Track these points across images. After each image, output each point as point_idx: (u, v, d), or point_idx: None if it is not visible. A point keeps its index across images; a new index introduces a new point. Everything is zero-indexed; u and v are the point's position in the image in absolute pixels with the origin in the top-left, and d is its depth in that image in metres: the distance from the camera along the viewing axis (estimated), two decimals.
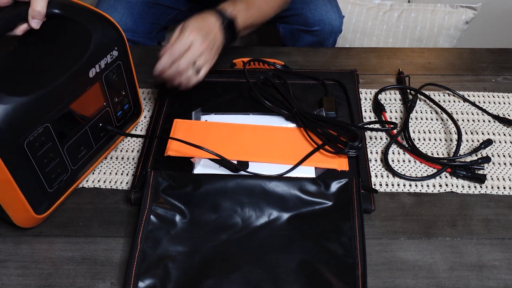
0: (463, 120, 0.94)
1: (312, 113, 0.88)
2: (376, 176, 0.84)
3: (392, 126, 0.87)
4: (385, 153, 0.87)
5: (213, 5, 1.25)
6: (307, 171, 0.82)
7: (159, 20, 1.34)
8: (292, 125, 0.90)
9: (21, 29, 0.72)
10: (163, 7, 1.33)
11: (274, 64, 1.02)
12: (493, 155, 0.87)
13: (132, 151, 0.88)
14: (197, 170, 0.82)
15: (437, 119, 0.94)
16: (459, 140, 0.87)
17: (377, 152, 0.88)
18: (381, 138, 0.91)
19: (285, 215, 0.76)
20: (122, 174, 0.85)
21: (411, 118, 0.94)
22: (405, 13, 1.45)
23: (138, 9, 1.27)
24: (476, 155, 0.87)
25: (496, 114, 0.95)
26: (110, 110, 0.82)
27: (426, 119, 0.94)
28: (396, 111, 0.96)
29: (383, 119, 0.93)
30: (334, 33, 1.27)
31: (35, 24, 0.72)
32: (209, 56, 0.89)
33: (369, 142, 0.90)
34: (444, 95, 0.99)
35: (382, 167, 0.86)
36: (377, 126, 0.92)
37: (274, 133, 0.88)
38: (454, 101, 0.98)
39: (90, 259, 0.73)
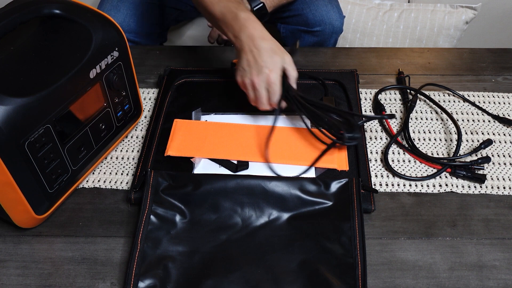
0: (463, 120, 0.94)
1: (307, 98, 0.84)
2: (376, 176, 0.84)
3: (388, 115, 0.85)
4: (385, 153, 0.87)
5: None
6: (307, 171, 0.82)
7: (161, 20, 1.35)
8: (292, 126, 0.90)
9: None
10: (165, 7, 1.33)
11: None
12: (493, 155, 0.87)
13: (132, 151, 0.88)
14: (197, 170, 0.82)
15: (437, 119, 0.94)
16: (459, 140, 0.87)
17: (377, 152, 0.88)
18: (381, 138, 0.91)
19: (285, 215, 0.76)
20: (122, 174, 0.85)
21: (411, 118, 0.94)
22: (405, 13, 1.45)
23: (141, 10, 1.27)
24: (476, 155, 0.87)
25: (496, 114, 0.95)
26: (110, 111, 0.82)
27: (426, 119, 0.94)
28: (396, 111, 0.96)
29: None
30: (335, 33, 1.27)
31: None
32: None
33: (369, 142, 0.90)
34: (444, 95, 0.99)
35: (382, 167, 0.86)
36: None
37: (275, 133, 0.88)
38: (454, 101, 0.98)
39: (90, 259, 0.73)
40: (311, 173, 0.82)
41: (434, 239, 0.75)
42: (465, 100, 0.98)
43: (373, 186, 0.82)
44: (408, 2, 1.52)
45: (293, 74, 0.85)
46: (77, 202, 0.81)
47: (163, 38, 1.42)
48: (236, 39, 0.84)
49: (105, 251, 0.74)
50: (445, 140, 0.90)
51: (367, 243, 0.74)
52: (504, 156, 0.87)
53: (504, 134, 0.91)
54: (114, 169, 0.86)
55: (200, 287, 0.68)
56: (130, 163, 0.87)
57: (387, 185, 0.83)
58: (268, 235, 0.74)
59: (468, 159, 0.86)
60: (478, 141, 0.90)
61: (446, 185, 0.82)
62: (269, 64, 0.81)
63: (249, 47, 0.82)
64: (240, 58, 0.84)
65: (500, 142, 0.90)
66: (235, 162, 0.83)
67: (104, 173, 0.85)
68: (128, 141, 0.90)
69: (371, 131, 0.92)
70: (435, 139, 0.90)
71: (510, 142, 0.90)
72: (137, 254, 0.70)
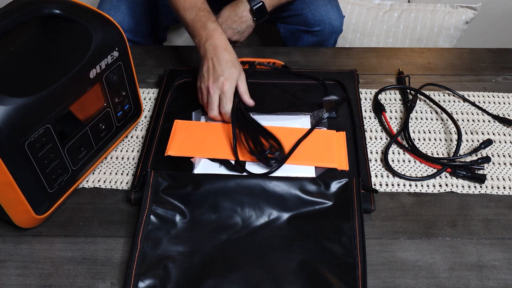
0: (463, 120, 0.94)
1: (251, 116, 0.87)
2: (376, 176, 0.84)
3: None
4: (385, 153, 0.87)
5: (215, 3, 1.25)
6: (307, 171, 0.82)
7: (161, 20, 1.34)
8: (293, 126, 0.90)
9: None
10: (165, 7, 1.32)
11: (265, 63, 1.02)
12: (493, 155, 0.87)
13: (132, 151, 0.88)
14: (197, 170, 0.82)
15: (437, 119, 0.94)
16: (459, 140, 0.87)
17: (377, 152, 0.88)
18: (381, 138, 0.91)
19: (285, 215, 0.76)
20: (122, 174, 0.85)
21: (411, 118, 0.94)
22: (405, 13, 1.45)
23: (141, 10, 1.27)
24: (476, 155, 0.87)
25: (496, 114, 0.95)
26: (110, 111, 0.82)
27: (426, 119, 0.94)
28: (396, 111, 0.96)
29: (383, 119, 0.93)
30: (335, 33, 1.27)
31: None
32: (238, 37, 1.17)
33: (369, 142, 0.90)
34: (444, 95, 0.99)
35: (382, 167, 0.86)
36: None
37: (273, 133, 0.88)
38: (454, 101, 0.98)
39: (90, 259, 0.73)
40: (311, 173, 0.82)
41: (434, 239, 0.75)
42: (465, 100, 0.98)
43: (373, 186, 0.82)
44: (408, 2, 1.52)
45: (243, 90, 0.88)
46: (77, 202, 0.81)
47: (163, 38, 1.42)
48: (201, 47, 0.90)
49: (105, 251, 0.74)
50: (445, 140, 0.90)
51: (367, 243, 0.74)
52: (504, 156, 0.87)
53: (504, 134, 0.91)
54: (114, 169, 0.86)
55: (200, 287, 0.68)
56: (130, 163, 0.87)
57: (387, 185, 0.83)
58: (268, 235, 0.74)
59: (468, 159, 0.86)
60: (478, 141, 0.90)
61: (446, 185, 0.82)
62: (226, 74, 0.86)
63: (211, 55, 0.88)
64: (201, 65, 0.90)
65: (500, 142, 0.90)
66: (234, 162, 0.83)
67: (104, 173, 0.85)
68: (128, 141, 0.90)
69: (371, 131, 0.92)
70: (435, 139, 0.90)
71: (510, 142, 0.90)
72: (137, 254, 0.70)
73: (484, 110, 0.95)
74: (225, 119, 0.89)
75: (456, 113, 0.95)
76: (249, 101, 0.89)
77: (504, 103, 0.98)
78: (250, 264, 0.70)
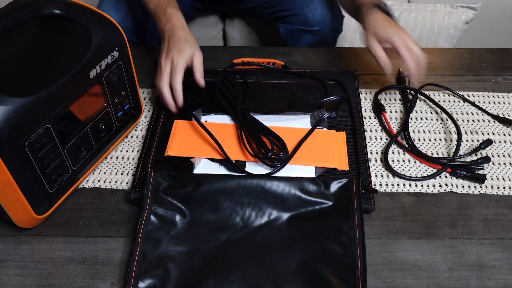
0: (463, 120, 0.94)
1: (252, 116, 0.88)
2: (376, 176, 0.84)
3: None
4: (385, 153, 0.87)
5: (215, 5, 1.25)
6: (307, 171, 0.82)
7: None
8: (293, 126, 0.90)
9: None
10: None
11: (262, 64, 1.02)
12: (493, 155, 0.87)
13: (132, 151, 0.88)
14: (197, 170, 0.82)
15: (437, 119, 0.94)
16: (459, 140, 0.87)
17: (377, 152, 0.88)
18: (381, 138, 0.91)
19: (285, 215, 0.76)
20: (122, 174, 0.85)
21: (411, 118, 0.94)
22: (405, 13, 1.45)
23: (141, 10, 1.27)
24: (476, 155, 0.87)
25: (496, 114, 0.95)
26: (110, 111, 0.82)
27: (426, 119, 0.94)
28: (396, 111, 0.96)
29: (383, 119, 0.93)
30: (335, 33, 1.27)
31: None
32: None
33: (369, 142, 0.90)
34: (444, 95, 0.99)
35: (382, 167, 0.86)
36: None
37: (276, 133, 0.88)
38: (454, 101, 0.98)
39: (90, 259, 0.73)
40: (311, 173, 0.82)
41: (434, 239, 0.75)
42: (465, 100, 0.98)
43: (373, 186, 0.82)
44: (408, 2, 1.52)
45: (197, 67, 0.90)
46: (77, 202, 0.81)
47: None
48: (162, 30, 0.94)
49: (105, 251, 0.74)
50: (445, 140, 0.90)
51: (367, 243, 0.74)
52: (504, 156, 0.87)
53: (504, 134, 0.91)
54: (114, 169, 0.86)
55: (200, 287, 0.68)
56: (130, 163, 0.87)
57: (387, 185, 0.83)
58: (268, 235, 0.74)
59: (468, 159, 0.86)
60: (478, 141, 0.90)
61: (446, 185, 0.82)
62: (178, 47, 0.88)
63: (168, 35, 0.91)
64: (160, 46, 0.92)
65: (500, 142, 0.90)
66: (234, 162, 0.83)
67: (104, 173, 0.85)
68: (128, 141, 0.90)
69: (371, 131, 0.92)
70: (435, 139, 0.90)
71: (510, 142, 0.90)
72: (137, 254, 0.70)
73: (484, 110, 0.95)
74: (175, 97, 0.88)
75: (456, 113, 0.95)
76: (201, 81, 0.90)
77: (504, 103, 0.98)
78: (250, 264, 0.70)
